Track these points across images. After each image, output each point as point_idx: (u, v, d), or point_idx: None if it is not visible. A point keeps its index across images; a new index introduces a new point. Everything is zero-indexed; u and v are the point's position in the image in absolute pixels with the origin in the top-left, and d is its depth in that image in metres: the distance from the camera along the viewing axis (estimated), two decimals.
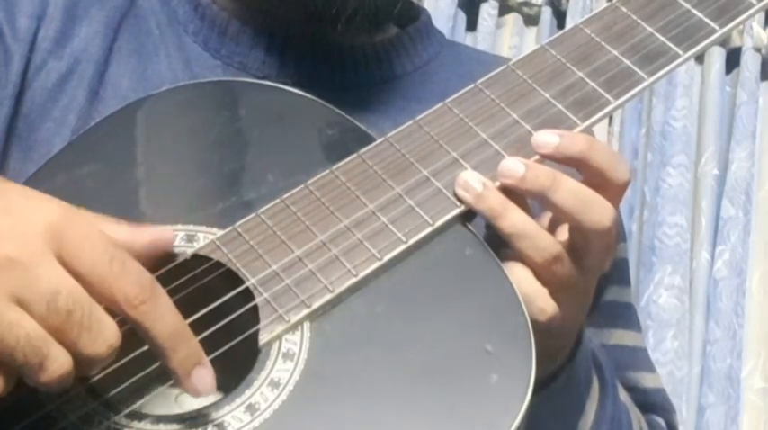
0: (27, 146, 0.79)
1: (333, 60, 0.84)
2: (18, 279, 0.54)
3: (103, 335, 0.55)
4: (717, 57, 2.10)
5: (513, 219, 0.67)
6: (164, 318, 0.57)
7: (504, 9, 2.14)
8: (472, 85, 0.71)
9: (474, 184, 0.67)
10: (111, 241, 0.57)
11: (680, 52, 0.72)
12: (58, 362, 0.54)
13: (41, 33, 0.81)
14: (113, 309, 0.57)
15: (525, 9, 2.14)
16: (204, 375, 0.59)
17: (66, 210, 0.57)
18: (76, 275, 0.55)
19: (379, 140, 0.70)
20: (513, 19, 2.13)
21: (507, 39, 2.12)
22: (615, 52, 0.72)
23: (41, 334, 0.54)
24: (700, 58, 2.12)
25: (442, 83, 0.87)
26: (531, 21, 2.14)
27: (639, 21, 0.73)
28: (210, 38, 0.83)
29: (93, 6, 0.83)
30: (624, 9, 0.73)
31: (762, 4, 0.73)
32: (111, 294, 0.56)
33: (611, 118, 1.90)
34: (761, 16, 2.04)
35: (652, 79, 0.71)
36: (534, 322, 0.64)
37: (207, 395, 0.59)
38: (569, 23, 2.09)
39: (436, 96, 0.77)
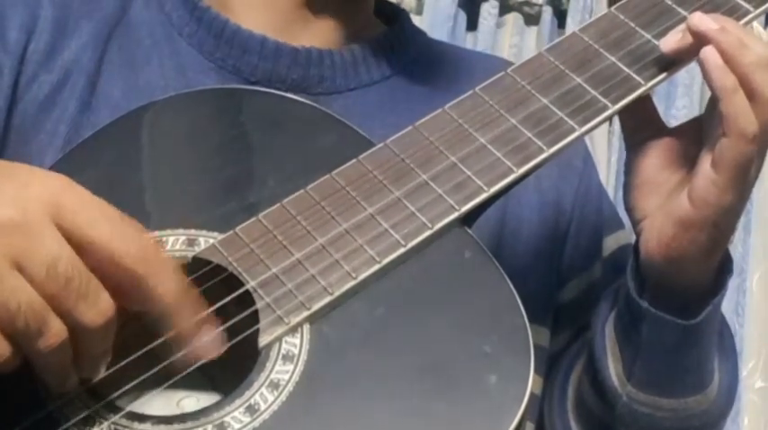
0: (20, 158, 0.78)
1: (323, 64, 0.84)
2: (20, 243, 0.54)
3: (99, 305, 0.55)
4: None
5: (758, 50, 0.67)
6: (168, 276, 0.57)
7: (504, 8, 2.14)
8: (471, 91, 0.72)
9: (711, 23, 0.68)
10: (108, 206, 0.57)
11: None
12: (54, 330, 0.54)
13: (32, 46, 0.81)
14: (115, 276, 0.56)
15: (526, 8, 2.14)
16: (213, 336, 0.58)
17: (67, 182, 0.57)
18: (74, 238, 0.55)
19: (378, 146, 0.70)
20: (513, 18, 2.13)
21: (508, 38, 2.12)
22: (613, 58, 0.72)
23: (41, 300, 0.54)
24: None
25: (428, 81, 0.87)
26: (532, 20, 2.14)
27: (637, 28, 0.73)
28: (206, 40, 0.84)
29: (82, 19, 0.83)
30: (622, 16, 0.74)
31: (759, 10, 0.73)
32: (111, 252, 0.56)
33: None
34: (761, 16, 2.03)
35: (650, 84, 0.71)
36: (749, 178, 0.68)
37: (215, 356, 0.58)
38: (570, 23, 2.09)
39: (423, 95, 0.77)
